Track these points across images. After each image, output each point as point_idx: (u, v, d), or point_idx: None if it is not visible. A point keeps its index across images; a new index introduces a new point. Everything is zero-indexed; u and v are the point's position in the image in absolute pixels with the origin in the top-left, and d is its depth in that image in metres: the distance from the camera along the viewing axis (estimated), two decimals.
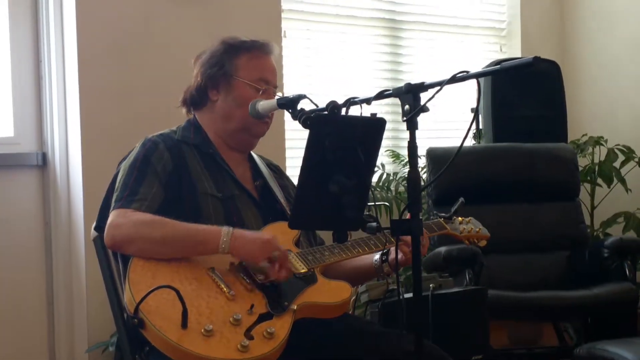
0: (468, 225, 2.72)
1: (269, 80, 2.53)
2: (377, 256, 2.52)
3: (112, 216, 2.29)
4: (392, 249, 2.45)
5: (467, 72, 1.95)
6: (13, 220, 3.76)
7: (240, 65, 2.51)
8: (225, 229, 2.24)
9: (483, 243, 2.75)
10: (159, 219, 2.26)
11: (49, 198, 3.83)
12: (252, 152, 2.65)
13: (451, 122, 5.16)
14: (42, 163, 3.83)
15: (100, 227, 2.38)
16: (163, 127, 2.56)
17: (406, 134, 2.00)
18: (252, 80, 2.49)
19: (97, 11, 3.78)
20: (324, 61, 4.75)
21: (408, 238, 2.20)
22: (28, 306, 3.79)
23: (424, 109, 1.96)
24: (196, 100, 2.55)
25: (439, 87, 1.96)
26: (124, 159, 2.46)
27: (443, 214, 2.70)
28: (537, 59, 1.86)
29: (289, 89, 4.37)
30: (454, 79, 1.94)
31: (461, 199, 2.65)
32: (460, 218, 2.73)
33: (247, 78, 2.49)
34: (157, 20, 3.93)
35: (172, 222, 2.26)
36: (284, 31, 4.47)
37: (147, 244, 2.23)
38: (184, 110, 2.60)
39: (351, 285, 2.39)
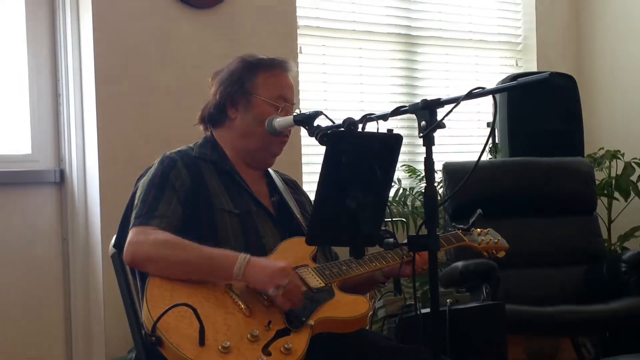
0: (487, 237, 2.71)
1: (288, 98, 2.54)
2: None
3: (132, 233, 2.30)
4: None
5: (483, 88, 1.95)
6: (31, 237, 3.78)
7: (259, 83, 2.52)
8: (242, 256, 2.24)
9: (502, 254, 2.73)
10: (179, 241, 2.27)
11: (66, 215, 3.84)
12: (268, 168, 2.65)
13: (467, 136, 5.16)
14: (60, 180, 3.85)
15: (119, 244, 2.39)
16: (180, 144, 2.57)
17: (422, 149, 2.00)
18: (271, 99, 2.50)
19: (114, 28, 3.80)
20: (339, 77, 4.76)
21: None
22: (46, 321, 3.81)
23: (441, 125, 1.97)
24: (214, 118, 2.55)
25: (455, 104, 1.96)
26: (142, 176, 2.47)
27: (461, 226, 2.69)
28: (552, 75, 1.86)
29: (305, 105, 4.38)
30: (470, 95, 1.95)
31: (479, 211, 2.65)
32: (478, 230, 2.72)
33: (266, 96, 2.50)
34: (174, 37, 3.95)
35: (191, 246, 2.26)
36: (300, 47, 4.48)
37: (166, 264, 2.24)
38: (201, 127, 2.61)
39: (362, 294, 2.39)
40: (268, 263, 2.28)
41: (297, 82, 4.24)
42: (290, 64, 2.58)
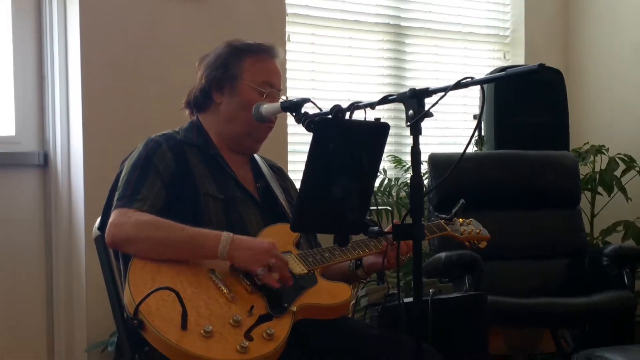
0: (469, 227, 2.73)
1: (274, 84, 2.53)
2: (351, 262, 2.53)
3: (114, 215, 2.29)
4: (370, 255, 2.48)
5: (472, 78, 1.95)
6: (13, 220, 3.76)
7: (245, 68, 2.51)
8: (225, 235, 2.24)
9: (483, 244, 2.75)
10: (160, 221, 2.26)
11: (50, 198, 3.83)
12: (254, 154, 2.65)
13: (452, 128, 5.17)
14: (44, 163, 3.83)
15: (103, 227, 2.37)
16: (165, 128, 2.56)
17: (408, 140, 2.01)
18: (256, 84, 2.49)
19: (101, 10, 3.78)
20: (327, 65, 4.75)
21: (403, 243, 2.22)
22: (27, 305, 3.79)
23: (428, 114, 1.96)
24: (200, 102, 2.55)
25: (443, 93, 1.96)
26: (127, 158, 2.47)
27: (444, 216, 2.70)
28: (542, 66, 1.86)
29: (292, 93, 4.36)
30: (458, 85, 1.95)
31: (462, 201, 2.66)
32: (460, 220, 2.73)
33: (252, 81, 2.49)
34: (161, 22, 3.94)
35: (173, 225, 2.26)
36: (288, 35, 4.47)
37: (147, 244, 2.23)
38: (187, 112, 2.60)
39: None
40: (253, 242, 2.28)
41: (285, 69, 4.28)
42: (277, 50, 2.58)
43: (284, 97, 2.49)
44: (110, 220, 2.29)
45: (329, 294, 2.33)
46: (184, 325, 2.05)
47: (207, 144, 2.51)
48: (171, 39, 3.94)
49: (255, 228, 2.42)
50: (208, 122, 2.55)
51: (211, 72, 2.52)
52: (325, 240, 2.63)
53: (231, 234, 2.25)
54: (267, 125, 2.51)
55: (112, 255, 2.41)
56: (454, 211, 2.65)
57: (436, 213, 2.69)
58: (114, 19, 3.82)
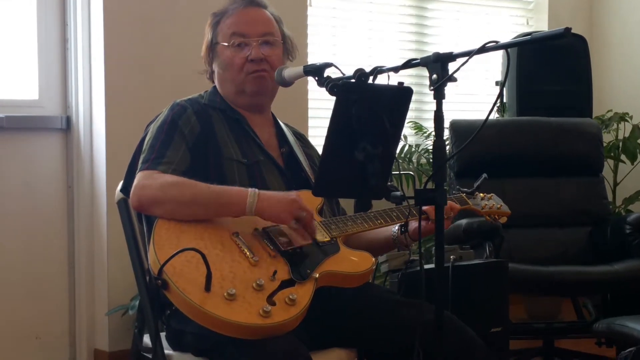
0: (490, 202, 2.72)
1: (245, 33, 2.48)
2: (395, 228, 2.52)
3: (139, 177, 2.29)
4: (411, 221, 2.46)
5: (497, 42, 1.93)
6: (36, 183, 3.79)
7: (219, 30, 2.52)
8: (251, 191, 2.24)
9: (504, 220, 2.75)
10: (186, 181, 2.26)
11: (72, 161, 3.85)
12: (279, 120, 2.64)
13: (474, 94, 5.14)
14: (66, 126, 3.84)
15: (126, 189, 2.38)
16: (186, 93, 2.56)
17: (429, 106, 1.99)
18: (226, 40, 2.49)
19: None
20: (349, 30, 4.73)
21: (431, 210, 2.20)
22: (49, 268, 3.83)
23: (452, 78, 1.94)
24: (209, 71, 2.58)
25: (467, 57, 1.94)
26: (152, 122, 2.47)
27: (465, 190, 2.69)
28: (568, 31, 1.84)
29: (313, 58, 4.35)
30: (483, 49, 1.92)
31: (484, 175, 2.64)
32: (482, 194, 2.72)
33: (224, 40, 2.50)
34: None
35: (198, 184, 2.26)
36: (310, 0, 4.45)
37: (174, 205, 2.23)
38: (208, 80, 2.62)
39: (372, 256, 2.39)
40: (279, 195, 2.28)
41: (306, 35, 4.26)
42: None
43: (288, 62, 2.48)
44: (135, 182, 2.29)
45: (351, 262, 2.33)
46: (207, 287, 2.06)
47: (230, 108, 2.52)
48: (193, 4, 3.92)
49: None
50: (217, 89, 2.57)
51: (204, 46, 2.55)
52: (349, 208, 2.63)
53: (256, 190, 2.25)
54: (252, 76, 2.47)
55: (135, 218, 2.42)
56: (476, 185, 2.64)
57: (458, 187, 2.67)
58: None
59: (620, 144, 4.82)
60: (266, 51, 2.47)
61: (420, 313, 2.23)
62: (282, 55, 2.54)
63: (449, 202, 2.49)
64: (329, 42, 4.65)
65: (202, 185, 2.26)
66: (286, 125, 2.66)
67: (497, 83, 5.08)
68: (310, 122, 4.33)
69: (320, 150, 2.10)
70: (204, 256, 2.07)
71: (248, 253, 2.20)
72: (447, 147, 4.38)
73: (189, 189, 2.25)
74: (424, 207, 2.30)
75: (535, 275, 3.85)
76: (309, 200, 2.33)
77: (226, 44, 2.48)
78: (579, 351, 4.18)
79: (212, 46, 2.53)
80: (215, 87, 2.58)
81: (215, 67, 2.54)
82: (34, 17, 3.77)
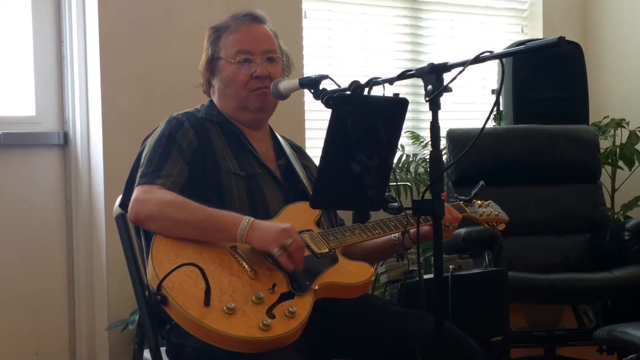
0: (487, 209, 2.72)
1: (250, 50, 2.50)
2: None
3: (137, 192, 2.30)
4: (411, 229, 2.46)
5: (491, 52, 1.94)
6: (34, 199, 3.79)
7: (222, 46, 2.52)
8: (245, 219, 2.23)
9: (502, 227, 2.75)
10: (184, 201, 2.26)
11: (70, 177, 3.85)
12: (276, 132, 2.65)
13: (469, 103, 5.14)
14: (64, 142, 3.85)
15: (124, 204, 2.38)
16: (183, 107, 2.56)
17: (426, 115, 2.00)
18: (230, 57, 2.50)
19: None
20: (344, 42, 4.74)
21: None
22: (49, 284, 3.82)
23: (447, 89, 1.95)
24: (206, 85, 2.58)
25: (462, 68, 1.95)
26: (149, 135, 2.47)
27: (463, 197, 2.70)
28: (562, 39, 1.85)
29: (309, 70, 4.36)
30: (477, 59, 1.93)
31: (481, 183, 2.65)
32: (479, 201, 2.73)
33: (227, 56, 2.50)
34: (179, 2, 3.93)
35: (195, 206, 2.26)
36: (305, 11, 4.46)
37: (170, 222, 2.23)
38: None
39: (370, 264, 2.39)
40: (271, 224, 2.27)
41: (301, 46, 4.27)
42: (253, 16, 2.54)
43: (284, 77, 2.48)
44: (133, 196, 2.30)
45: (350, 273, 2.33)
46: (207, 301, 2.06)
47: (228, 121, 2.52)
48: (189, 19, 3.93)
49: (276, 206, 2.42)
50: (215, 103, 2.56)
51: (204, 60, 2.55)
52: (347, 217, 2.63)
53: (252, 219, 2.24)
54: (256, 93, 2.49)
55: (134, 233, 2.42)
56: (473, 193, 2.65)
57: (455, 195, 2.68)
58: (132, 1, 3.81)
59: (618, 150, 4.82)
60: (270, 68, 2.48)
61: (420, 323, 2.23)
62: (282, 71, 2.55)
63: (451, 211, 2.49)
64: (324, 53, 4.66)
65: (198, 207, 2.26)
66: (283, 137, 2.66)
67: (493, 91, 5.09)
68: (307, 134, 4.33)
69: (316, 160, 2.10)
70: (202, 271, 2.07)
71: (247, 267, 2.20)
72: (444, 157, 4.39)
73: (185, 210, 2.25)
74: None
75: (535, 284, 3.85)
76: (306, 211, 2.33)
77: (229, 60, 2.49)
78: (580, 359, 4.18)
79: (213, 61, 2.53)
80: (211, 100, 2.58)
81: (215, 82, 2.54)
82: (30, 34, 3.78)
